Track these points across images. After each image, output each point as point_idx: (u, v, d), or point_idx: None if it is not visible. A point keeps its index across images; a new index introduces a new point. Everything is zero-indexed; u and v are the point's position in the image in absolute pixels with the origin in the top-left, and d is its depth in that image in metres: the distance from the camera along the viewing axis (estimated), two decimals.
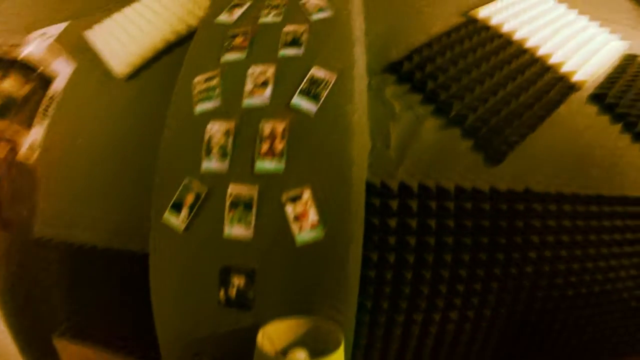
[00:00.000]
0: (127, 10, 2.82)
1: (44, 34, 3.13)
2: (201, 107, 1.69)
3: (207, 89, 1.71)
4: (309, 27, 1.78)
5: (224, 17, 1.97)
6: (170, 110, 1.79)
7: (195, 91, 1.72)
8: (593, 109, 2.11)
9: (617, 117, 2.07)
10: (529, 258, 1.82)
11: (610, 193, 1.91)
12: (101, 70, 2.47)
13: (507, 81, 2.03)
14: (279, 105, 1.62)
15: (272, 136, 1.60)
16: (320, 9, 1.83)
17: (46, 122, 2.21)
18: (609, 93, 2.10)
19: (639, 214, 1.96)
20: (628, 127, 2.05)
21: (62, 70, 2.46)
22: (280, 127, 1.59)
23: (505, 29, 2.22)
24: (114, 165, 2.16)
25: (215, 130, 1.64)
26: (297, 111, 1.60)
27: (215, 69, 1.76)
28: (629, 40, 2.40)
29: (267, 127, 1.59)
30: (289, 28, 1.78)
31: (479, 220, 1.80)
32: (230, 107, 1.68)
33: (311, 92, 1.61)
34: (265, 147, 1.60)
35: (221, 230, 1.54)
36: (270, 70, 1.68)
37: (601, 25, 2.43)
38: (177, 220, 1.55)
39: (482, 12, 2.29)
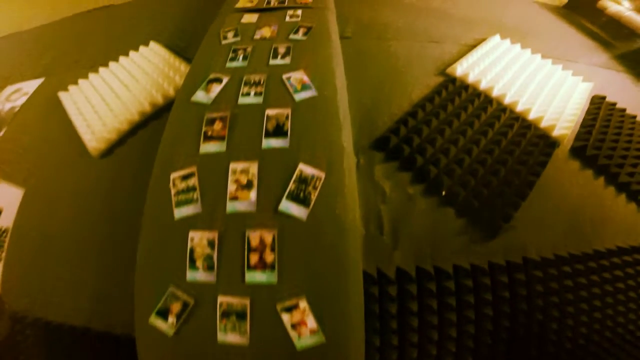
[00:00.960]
0: (104, 73, 2.55)
1: (18, 89, 2.88)
2: (181, 212, 1.39)
3: (186, 190, 1.42)
4: (293, 111, 1.54)
5: (200, 96, 1.67)
6: (146, 211, 1.47)
7: (174, 191, 1.42)
8: (576, 163, 2.08)
9: (599, 170, 2.04)
10: (536, 319, 1.69)
11: (605, 247, 1.84)
12: (75, 145, 2.16)
13: (494, 147, 1.95)
14: (266, 211, 1.36)
15: (261, 246, 1.34)
16: (304, 87, 1.61)
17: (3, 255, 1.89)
18: (588, 144, 2.07)
19: (637, 261, 1.90)
20: (611, 179, 2.02)
21: (8, 201, 2.05)
22: (269, 237, 1.32)
23: (483, 85, 2.17)
24: (89, 245, 1.83)
25: (198, 240, 1.35)
26: (286, 216, 1.35)
27: (192, 163, 1.46)
28: (591, 81, 2.42)
29: (254, 237, 1.32)
30: (271, 112, 1.53)
31: (481, 294, 1.67)
32: (212, 212, 1.39)
33: (300, 195, 1.36)
34: (254, 258, 1.33)
35: (214, 335, 1.30)
36: (254, 168, 1.41)
37: (564, 67, 2.45)
38: (164, 325, 1.29)
39: (458, 70, 2.23)
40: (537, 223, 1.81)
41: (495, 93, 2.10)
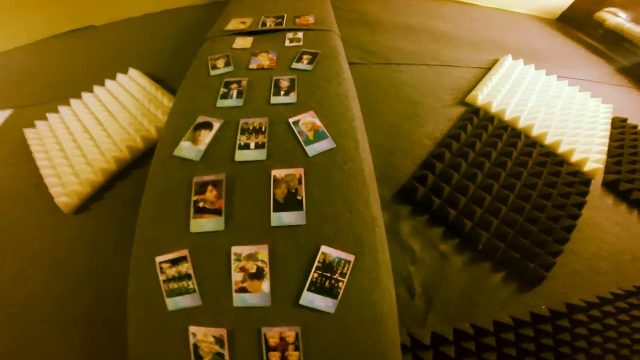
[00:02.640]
0: (76, 106, 1.91)
1: None
2: (175, 303, 0.91)
3: (179, 277, 0.94)
4: (307, 170, 1.06)
5: (186, 148, 1.15)
6: (131, 296, 0.96)
7: (162, 277, 0.94)
8: (610, 198, 1.69)
9: (632, 203, 1.68)
10: None
11: None
12: (46, 199, 1.59)
13: (529, 192, 1.55)
14: (285, 304, 0.91)
15: (282, 345, 0.92)
16: (318, 134, 1.13)
17: None
18: (621, 178, 1.71)
19: None
20: None
21: None
22: (290, 335, 0.90)
23: (508, 115, 1.76)
24: (72, 310, 1.34)
25: (202, 336, 0.90)
26: (310, 310, 0.91)
27: (182, 244, 0.97)
28: (604, 97, 2.06)
29: (273, 336, 0.88)
30: (279, 173, 1.04)
31: (522, 344, 1.30)
32: (215, 305, 0.92)
33: (325, 284, 0.92)
34: (275, 358, 0.94)
35: None
36: (263, 253, 0.94)
37: (572, 84, 2.08)
38: None
39: (479, 98, 1.81)
40: (579, 267, 1.46)
41: (521, 124, 1.72)
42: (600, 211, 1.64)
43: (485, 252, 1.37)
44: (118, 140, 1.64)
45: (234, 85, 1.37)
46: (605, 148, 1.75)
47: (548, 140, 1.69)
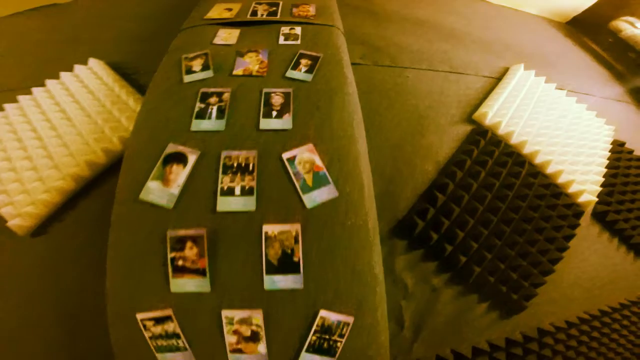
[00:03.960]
0: (26, 104, 1.45)
1: None
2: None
3: (166, 336, 0.74)
4: (305, 226, 0.81)
5: (155, 192, 0.84)
6: (115, 345, 0.76)
7: (147, 334, 0.73)
8: (596, 228, 1.57)
9: (615, 232, 1.59)
10: None
11: (611, 305, 1.48)
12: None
13: (525, 227, 1.39)
14: None
15: None
16: (318, 179, 0.85)
17: None
18: (610, 210, 1.59)
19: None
20: (624, 240, 1.59)
21: None
22: None
23: (514, 139, 1.51)
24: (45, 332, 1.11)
25: None
26: None
27: (165, 303, 0.75)
28: (611, 116, 1.86)
29: None
30: (271, 229, 0.79)
31: None
32: None
33: (324, 345, 0.75)
34: None
35: None
36: (257, 317, 0.73)
37: (580, 100, 1.84)
38: None
39: (489, 116, 1.54)
40: (555, 295, 1.39)
41: (526, 149, 1.49)
42: (585, 240, 1.52)
43: (475, 285, 1.28)
44: (75, 152, 1.27)
45: (213, 99, 1.02)
46: (601, 178, 1.59)
47: (550, 169, 1.49)
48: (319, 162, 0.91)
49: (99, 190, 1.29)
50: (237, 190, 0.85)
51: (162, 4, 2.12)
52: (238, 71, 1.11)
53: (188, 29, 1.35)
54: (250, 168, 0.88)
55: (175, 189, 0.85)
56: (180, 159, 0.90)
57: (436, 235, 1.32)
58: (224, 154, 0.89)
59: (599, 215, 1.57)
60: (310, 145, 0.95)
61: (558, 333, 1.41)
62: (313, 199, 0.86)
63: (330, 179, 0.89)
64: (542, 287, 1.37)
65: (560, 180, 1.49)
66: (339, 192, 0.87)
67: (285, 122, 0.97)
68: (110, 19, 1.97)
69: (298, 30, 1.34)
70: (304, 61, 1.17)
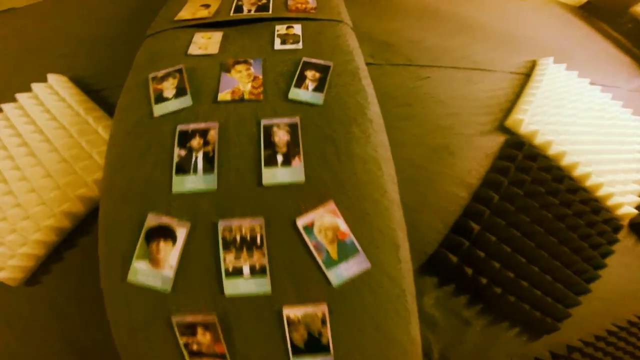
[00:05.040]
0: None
1: None
2: None
3: None
4: (332, 306, 0.56)
5: (145, 274, 0.59)
6: None
7: None
8: (631, 240, 1.36)
9: None
10: None
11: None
12: None
13: (564, 250, 1.14)
14: None
15: None
16: (345, 249, 0.58)
17: None
18: None
19: None
20: None
21: None
22: None
23: (553, 150, 1.20)
24: None
25: None
26: None
27: None
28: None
29: None
30: (293, 312, 0.53)
31: None
32: None
33: None
34: None
35: None
36: None
37: (604, 91, 1.51)
38: None
39: (524, 123, 1.24)
40: (583, 311, 1.15)
41: (565, 160, 1.20)
42: (619, 255, 1.29)
43: (508, 312, 1.06)
44: (49, 200, 0.95)
45: (196, 142, 0.69)
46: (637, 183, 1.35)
47: (589, 182, 1.24)
48: (344, 227, 0.63)
49: (83, 239, 1.01)
50: (246, 271, 0.58)
51: (136, 2, 1.71)
52: (224, 94, 0.77)
53: (155, 35, 0.98)
54: (258, 241, 0.60)
55: (168, 270, 0.58)
56: (167, 234, 0.61)
57: (471, 269, 1.09)
58: (221, 224, 0.61)
59: (636, 227, 1.35)
60: (331, 205, 0.66)
61: (587, 347, 1.23)
62: (339, 274, 0.59)
63: (359, 247, 0.62)
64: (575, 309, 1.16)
65: (600, 192, 1.26)
66: (370, 261, 0.62)
67: (295, 172, 0.66)
68: (75, 21, 1.54)
69: (297, 29, 0.99)
70: (310, 73, 0.84)
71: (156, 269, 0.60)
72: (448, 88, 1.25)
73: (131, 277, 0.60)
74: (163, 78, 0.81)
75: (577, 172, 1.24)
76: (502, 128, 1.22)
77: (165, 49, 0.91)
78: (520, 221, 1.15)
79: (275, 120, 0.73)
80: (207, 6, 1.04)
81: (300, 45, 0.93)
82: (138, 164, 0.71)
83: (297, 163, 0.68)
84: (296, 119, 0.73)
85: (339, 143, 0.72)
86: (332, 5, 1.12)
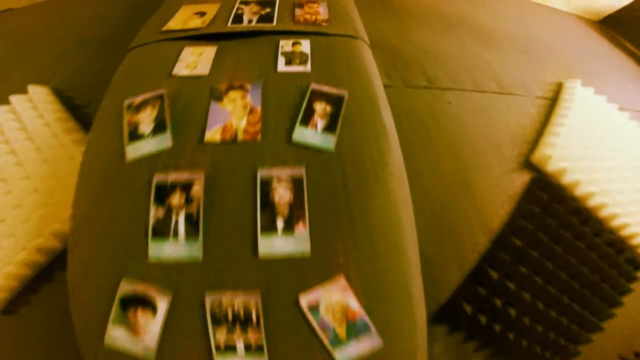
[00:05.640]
0: None
1: None
2: None
3: None
4: None
5: (123, 340, 0.46)
6: None
7: None
8: None
9: None
10: None
11: None
12: None
13: (584, 292, 1.00)
14: None
15: None
16: (354, 329, 0.47)
17: None
18: None
19: None
20: None
21: None
22: None
23: (580, 190, 1.04)
24: None
25: None
26: None
27: None
28: None
29: None
30: None
31: None
32: None
33: None
34: None
35: None
36: None
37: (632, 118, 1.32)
38: None
39: (553, 159, 1.11)
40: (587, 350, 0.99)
41: (592, 201, 1.04)
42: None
43: (519, 357, 0.92)
44: (20, 233, 0.79)
45: (176, 199, 0.53)
46: None
47: (616, 222, 1.10)
48: (355, 305, 0.48)
49: (61, 274, 0.86)
50: (240, 350, 0.44)
51: (133, 3, 1.47)
52: (213, 133, 0.60)
53: (138, 49, 0.80)
54: (254, 319, 0.45)
55: (149, 340, 0.45)
56: (144, 303, 0.47)
57: (485, 318, 0.96)
58: (209, 298, 0.46)
59: None
60: (342, 280, 0.50)
61: None
62: (347, 354, 0.46)
63: (371, 326, 0.49)
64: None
65: (625, 232, 1.12)
66: (383, 340, 0.48)
67: (299, 242, 0.50)
68: (66, 23, 1.33)
69: (305, 45, 0.80)
70: (319, 106, 0.66)
71: (134, 336, 0.46)
72: (470, 115, 1.08)
73: (108, 342, 0.47)
74: (140, 106, 0.63)
75: (604, 213, 1.11)
76: (529, 165, 1.04)
77: (146, 67, 0.73)
78: (543, 268, 1.02)
79: (275, 172, 0.56)
80: (201, 14, 0.85)
81: (308, 67, 0.75)
82: (109, 219, 0.55)
83: (302, 230, 0.52)
84: (301, 171, 0.56)
85: (354, 202, 0.57)
86: (346, 17, 0.94)
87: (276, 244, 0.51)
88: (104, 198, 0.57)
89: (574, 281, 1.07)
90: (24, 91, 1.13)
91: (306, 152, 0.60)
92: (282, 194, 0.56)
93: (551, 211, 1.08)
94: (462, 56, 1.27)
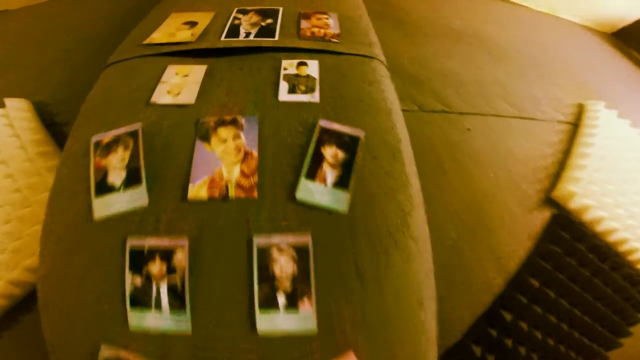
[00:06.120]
0: None
1: None
2: None
3: None
4: None
5: None
6: None
7: None
8: None
9: None
10: None
11: None
12: None
13: (594, 325, 0.91)
14: None
15: None
16: None
17: None
18: None
19: None
20: None
21: None
22: None
23: (603, 226, 0.94)
24: None
25: None
26: None
27: None
28: None
29: None
30: None
31: None
32: None
33: None
34: None
35: None
36: None
37: None
38: None
39: (576, 196, 1.00)
40: None
41: (613, 237, 0.94)
42: None
43: None
44: None
45: (156, 268, 0.41)
46: None
47: (635, 256, 1.03)
48: None
49: (27, 317, 0.74)
50: None
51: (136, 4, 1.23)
52: (199, 188, 0.47)
53: (116, 65, 0.64)
54: None
55: None
56: None
57: (492, 356, 0.89)
58: None
59: None
60: (351, 357, 0.42)
61: None
62: None
63: None
64: None
65: None
66: None
67: (304, 320, 0.40)
68: (63, 28, 1.15)
69: (313, 66, 0.64)
70: (329, 151, 0.52)
71: None
72: (487, 143, 0.95)
73: None
74: (110, 147, 0.50)
75: (624, 247, 1.03)
76: (549, 201, 0.92)
77: (122, 91, 0.58)
78: (559, 307, 0.94)
79: (275, 239, 0.44)
80: (192, 24, 0.69)
81: (316, 97, 0.60)
82: (80, 280, 0.43)
83: (307, 307, 0.41)
84: (307, 239, 0.44)
85: (368, 275, 0.45)
86: (361, 32, 0.79)
87: (277, 321, 0.40)
88: (72, 257, 0.45)
89: (587, 316, 1.00)
90: (3, 103, 0.98)
91: (312, 212, 0.48)
92: (284, 266, 0.44)
93: (572, 250, 0.99)
94: (476, 77, 1.12)
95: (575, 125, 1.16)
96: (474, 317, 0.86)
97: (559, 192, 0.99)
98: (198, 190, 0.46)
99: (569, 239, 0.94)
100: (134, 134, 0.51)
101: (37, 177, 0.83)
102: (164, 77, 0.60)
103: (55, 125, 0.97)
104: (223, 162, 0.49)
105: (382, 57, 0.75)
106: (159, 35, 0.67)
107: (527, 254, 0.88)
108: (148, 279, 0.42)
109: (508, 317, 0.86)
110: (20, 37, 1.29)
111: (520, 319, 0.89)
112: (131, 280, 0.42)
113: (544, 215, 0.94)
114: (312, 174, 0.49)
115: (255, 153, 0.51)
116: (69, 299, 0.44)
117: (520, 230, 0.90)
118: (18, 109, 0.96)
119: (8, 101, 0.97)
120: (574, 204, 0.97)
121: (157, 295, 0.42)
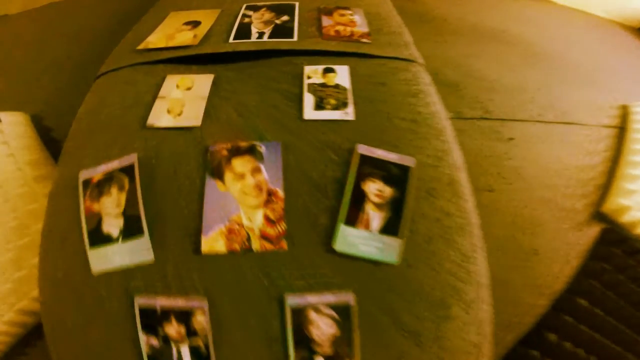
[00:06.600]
0: None
1: None
2: None
3: None
4: None
5: None
6: None
7: None
8: None
9: None
10: None
11: None
12: None
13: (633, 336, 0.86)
14: None
15: None
16: None
17: None
18: None
19: None
20: None
21: None
22: None
23: None
24: None
25: None
26: None
27: None
28: None
29: None
30: None
31: None
32: None
33: None
34: None
35: None
36: None
37: None
38: None
39: (628, 212, 0.89)
40: None
41: None
42: None
43: None
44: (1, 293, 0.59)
45: (172, 330, 0.32)
46: None
47: None
48: None
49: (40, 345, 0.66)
50: None
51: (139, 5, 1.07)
52: (213, 239, 0.36)
53: (108, 76, 0.52)
54: None
55: None
56: None
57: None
58: None
59: None
60: None
61: None
62: None
63: None
64: None
65: None
66: None
67: None
68: (62, 32, 1.01)
69: (342, 73, 0.51)
70: (372, 187, 0.40)
71: None
72: (532, 153, 0.81)
73: None
74: (102, 187, 0.39)
75: None
76: (599, 216, 0.79)
77: (112, 110, 0.47)
78: (607, 325, 0.84)
79: (312, 299, 0.34)
80: (194, 25, 0.56)
81: (350, 113, 0.47)
82: (82, 335, 0.35)
83: None
84: (348, 298, 0.34)
85: (425, 335, 0.35)
86: (393, 29, 0.64)
87: None
88: (69, 317, 0.36)
89: (635, 334, 0.91)
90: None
91: (355, 264, 0.37)
92: (324, 329, 0.34)
93: (622, 266, 0.89)
94: (515, 80, 0.97)
95: (621, 129, 1.03)
96: (513, 340, 0.76)
97: (610, 206, 0.86)
98: (212, 242, 0.36)
99: (620, 255, 0.84)
100: (128, 170, 0.39)
101: (35, 204, 0.72)
102: (163, 91, 0.48)
103: (52, 143, 0.86)
104: (241, 205, 0.38)
105: (422, 60, 0.62)
106: (155, 38, 0.55)
107: (575, 272, 0.78)
108: (165, 341, 0.33)
109: (553, 338, 0.77)
110: (21, 42, 1.17)
111: (565, 338, 0.80)
112: (146, 340, 0.33)
113: (593, 231, 0.81)
114: (352, 218, 0.38)
115: (280, 193, 0.39)
116: (75, 346, 0.36)
117: (568, 249, 0.77)
118: (15, 123, 0.84)
119: (3, 115, 0.86)
120: (625, 218, 0.86)
121: (178, 357, 0.33)
